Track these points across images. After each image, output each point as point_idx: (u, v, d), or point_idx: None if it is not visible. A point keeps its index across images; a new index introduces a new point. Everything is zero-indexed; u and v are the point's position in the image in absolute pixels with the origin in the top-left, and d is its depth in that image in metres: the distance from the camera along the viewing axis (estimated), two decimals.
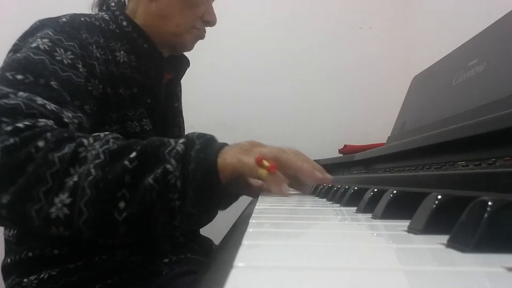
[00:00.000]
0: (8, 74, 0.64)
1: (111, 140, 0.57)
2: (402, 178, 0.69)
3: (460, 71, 0.81)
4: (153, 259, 0.80)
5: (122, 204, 0.53)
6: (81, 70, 0.72)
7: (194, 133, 0.62)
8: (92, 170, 0.52)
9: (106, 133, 0.59)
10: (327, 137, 1.87)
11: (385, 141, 1.15)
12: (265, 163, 0.59)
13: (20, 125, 0.54)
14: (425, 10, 1.86)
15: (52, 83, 0.65)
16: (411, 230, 0.33)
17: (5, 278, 0.78)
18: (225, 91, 1.94)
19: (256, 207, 0.54)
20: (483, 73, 0.71)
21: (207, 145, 0.59)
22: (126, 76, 0.81)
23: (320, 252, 0.27)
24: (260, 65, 1.96)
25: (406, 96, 1.18)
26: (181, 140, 0.58)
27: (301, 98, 1.96)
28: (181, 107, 1.05)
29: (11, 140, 0.52)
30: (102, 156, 0.54)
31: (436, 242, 0.27)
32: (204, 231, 1.04)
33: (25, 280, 0.73)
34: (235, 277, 0.19)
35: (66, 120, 0.62)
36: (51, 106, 0.61)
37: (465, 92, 0.76)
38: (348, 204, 0.56)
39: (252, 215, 0.44)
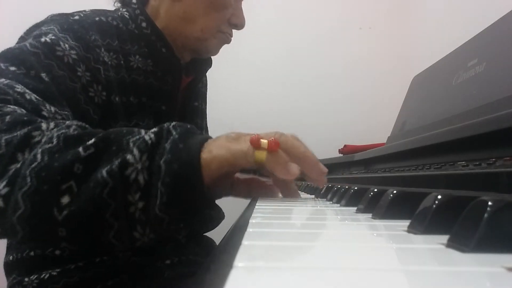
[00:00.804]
0: (1, 64, 0.61)
1: (74, 126, 0.47)
2: (402, 178, 0.69)
3: (460, 71, 0.81)
4: (155, 260, 0.80)
5: (65, 199, 0.42)
6: (79, 74, 0.68)
7: (170, 123, 0.49)
8: (39, 156, 0.43)
9: (74, 121, 0.50)
10: (327, 137, 1.87)
11: (385, 141, 1.15)
12: (263, 141, 0.49)
13: None
14: (425, 10, 1.86)
15: (42, 74, 0.61)
16: (411, 230, 0.33)
17: (7, 275, 0.78)
18: (224, 91, 1.94)
19: (256, 207, 0.54)
20: (483, 73, 0.71)
21: (187, 135, 0.47)
22: (137, 83, 0.77)
23: (320, 252, 0.27)
24: (260, 64, 1.96)
25: (406, 96, 1.18)
26: (153, 130, 0.47)
27: (301, 98, 1.96)
28: (203, 106, 0.99)
29: None
30: (55, 140, 0.44)
31: (436, 242, 0.27)
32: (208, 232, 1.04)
33: (26, 279, 0.73)
34: (235, 277, 0.19)
35: (45, 113, 0.54)
36: (31, 96, 0.55)
37: (465, 92, 0.76)
38: (348, 204, 0.56)
39: (252, 215, 0.44)
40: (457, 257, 0.24)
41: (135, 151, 0.43)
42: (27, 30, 0.74)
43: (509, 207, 0.24)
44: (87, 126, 0.50)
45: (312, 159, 0.56)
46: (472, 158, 0.54)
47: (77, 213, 0.42)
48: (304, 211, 0.56)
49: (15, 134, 0.45)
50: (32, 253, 0.74)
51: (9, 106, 0.50)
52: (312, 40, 1.98)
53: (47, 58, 0.64)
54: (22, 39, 0.72)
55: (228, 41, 0.87)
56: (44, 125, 0.47)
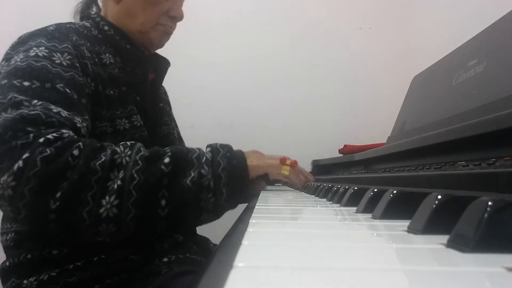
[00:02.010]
0: (15, 81, 0.67)
1: (140, 147, 0.65)
2: (402, 178, 0.69)
3: (460, 71, 0.81)
4: (152, 259, 0.80)
5: (163, 202, 0.61)
6: (80, 69, 0.75)
7: (216, 143, 0.72)
8: (135, 175, 0.61)
9: (132, 142, 0.67)
10: (327, 137, 1.87)
11: (385, 141, 1.15)
12: (288, 161, 0.80)
13: (50, 136, 0.59)
14: (425, 10, 1.86)
15: (58, 85, 0.68)
16: (411, 230, 0.33)
17: (3, 281, 0.78)
18: (224, 91, 1.94)
19: (256, 207, 0.54)
20: (483, 73, 0.71)
21: (233, 152, 0.70)
22: (113, 76, 0.84)
23: (320, 252, 0.27)
24: (259, 65, 1.96)
25: (406, 96, 1.18)
26: (208, 149, 0.70)
27: (301, 98, 1.96)
28: (168, 109, 1.08)
29: (48, 151, 0.58)
30: (140, 162, 0.62)
31: (436, 242, 0.27)
32: (204, 231, 1.04)
33: (24, 281, 0.73)
34: (235, 277, 0.19)
35: (78, 125, 0.67)
36: (64, 112, 0.66)
37: (465, 92, 0.76)
38: (348, 204, 0.56)
39: (252, 215, 0.44)
40: (457, 257, 0.24)
41: (205, 167, 0.65)
42: (11, 47, 0.77)
43: (509, 207, 0.24)
44: (139, 143, 0.67)
45: (307, 175, 0.92)
46: (472, 158, 0.54)
47: (173, 210, 0.62)
48: (304, 211, 0.56)
49: (103, 159, 0.61)
50: (29, 256, 0.75)
51: (62, 131, 0.62)
52: (312, 40, 1.98)
53: (53, 67, 0.70)
54: (8, 54, 0.75)
55: (169, 32, 0.95)
56: (117, 149, 0.63)
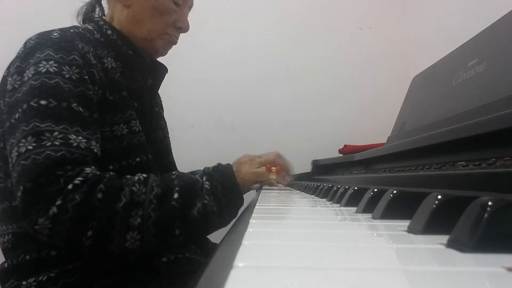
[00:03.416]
0: (32, 102, 0.70)
1: (153, 185, 0.72)
2: (402, 178, 0.69)
3: (460, 71, 0.81)
4: (151, 258, 0.80)
5: (177, 232, 0.71)
6: (88, 81, 0.77)
7: (208, 168, 0.80)
8: (152, 214, 0.69)
9: (144, 175, 0.74)
10: (327, 137, 1.87)
11: (385, 141, 1.15)
12: (273, 169, 0.87)
13: (77, 182, 0.67)
14: (425, 10, 1.86)
15: (73, 105, 0.73)
16: (411, 230, 0.33)
17: (3, 283, 0.78)
18: (224, 91, 1.94)
19: (256, 207, 0.54)
20: (483, 73, 0.71)
21: (224, 174, 0.78)
22: (114, 81, 0.84)
23: (320, 252, 0.27)
24: (259, 65, 1.96)
25: (406, 96, 1.18)
26: (204, 178, 0.76)
27: (301, 98, 1.96)
28: (162, 112, 1.10)
29: (77, 198, 0.66)
30: (154, 201, 0.70)
31: (436, 242, 0.27)
32: None
33: (24, 282, 0.73)
34: (235, 277, 0.19)
35: (95, 150, 0.73)
36: (82, 142, 0.72)
37: (465, 92, 0.76)
38: (348, 204, 0.56)
39: (252, 215, 0.44)
40: (457, 257, 0.24)
41: (207, 197, 0.73)
42: (21, 59, 0.77)
43: (509, 207, 0.24)
44: (153, 176, 0.75)
45: (289, 168, 0.95)
46: (472, 158, 0.54)
47: (187, 235, 0.72)
48: (304, 211, 0.56)
49: (124, 200, 0.69)
50: (28, 257, 0.75)
51: (85, 170, 0.69)
52: (312, 40, 1.98)
53: (64, 83, 0.73)
54: (19, 68, 0.76)
55: (174, 42, 0.97)
56: (134, 189, 0.71)
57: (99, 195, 0.68)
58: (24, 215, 0.67)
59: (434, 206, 0.31)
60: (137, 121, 0.86)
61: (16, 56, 0.78)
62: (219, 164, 0.81)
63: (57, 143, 0.69)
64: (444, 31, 1.60)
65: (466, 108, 0.71)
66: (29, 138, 0.68)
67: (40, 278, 0.73)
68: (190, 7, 0.99)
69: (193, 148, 1.83)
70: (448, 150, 0.62)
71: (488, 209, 0.24)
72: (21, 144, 0.68)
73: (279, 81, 1.96)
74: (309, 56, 1.98)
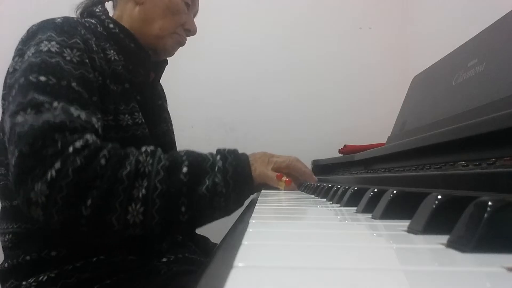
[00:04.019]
0: (31, 77, 0.68)
1: (160, 156, 0.70)
2: (402, 178, 0.69)
3: (460, 71, 0.81)
4: (151, 259, 0.80)
5: (183, 209, 0.67)
6: (89, 65, 0.76)
7: (224, 149, 0.77)
8: (158, 185, 0.65)
9: (151, 147, 0.71)
10: (327, 137, 1.87)
11: (385, 141, 1.15)
12: (284, 179, 0.84)
13: (77, 146, 0.63)
14: (425, 10, 1.86)
15: (72, 84, 0.71)
16: (411, 230, 0.33)
17: (2, 283, 0.78)
18: (225, 92, 1.94)
19: (256, 207, 0.54)
20: (483, 73, 0.71)
21: (238, 159, 0.75)
22: (117, 72, 0.84)
23: (320, 252, 0.27)
24: (260, 65, 1.96)
25: (406, 96, 1.18)
26: (218, 157, 0.74)
27: (301, 98, 1.96)
28: (165, 105, 1.10)
29: (78, 161, 0.62)
30: (161, 172, 0.67)
31: (436, 242, 0.27)
32: (203, 231, 1.04)
33: (23, 283, 0.73)
34: (235, 277, 0.19)
35: (96, 126, 0.70)
36: (82, 114, 0.69)
37: (465, 92, 0.76)
38: (348, 204, 0.56)
39: (252, 215, 0.44)
40: (457, 257, 0.24)
41: (218, 175, 0.70)
42: (22, 42, 0.77)
43: (509, 207, 0.24)
44: (160, 150, 0.72)
45: (308, 173, 0.94)
46: (472, 158, 0.54)
47: (192, 215, 0.68)
48: (304, 211, 0.56)
49: (128, 169, 0.65)
50: (28, 257, 0.75)
51: (86, 137, 0.65)
52: (312, 40, 1.98)
53: (65, 64, 0.72)
54: (20, 50, 0.75)
55: (183, 43, 0.99)
56: (140, 158, 0.68)
57: (102, 161, 0.64)
58: (19, 183, 0.62)
59: (434, 206, 0.31)
60: (140, 114, 0.86)
61: (19, 42, 0.78)
62: (235, 150, 0.78)
63: (56, 112, 0.66)
64: (444, 31, 1.60)
65: (466, 108, 0.71)
66: (28, 110, 0.65)
67: (40, 279, 0.73)
68: (196, 13, 1.01)
69: (193, 148, 1.83)
70: (448, 150, 0.62)
71: (488, 209, 0.24)
72: (18, 116, 0.65)
73: (279, 81, 1.96)
74: (309, 56, 1.97)
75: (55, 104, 0.67)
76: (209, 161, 0.72)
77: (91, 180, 0.62)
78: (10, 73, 0.74)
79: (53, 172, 0.61)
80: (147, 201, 0.64)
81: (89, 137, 0.66)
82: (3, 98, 0.76)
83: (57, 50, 0.73)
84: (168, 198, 0.66)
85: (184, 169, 0.69)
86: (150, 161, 0.68)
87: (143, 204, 0.64)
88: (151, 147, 0.71)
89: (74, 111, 0.68)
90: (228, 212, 0.73)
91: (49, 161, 0.61)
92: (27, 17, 0.81)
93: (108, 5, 0.98)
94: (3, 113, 0.72)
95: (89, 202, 0.62)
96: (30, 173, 0.61)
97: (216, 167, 0.71)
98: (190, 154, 0.73)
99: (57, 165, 0.61)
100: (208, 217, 0.72)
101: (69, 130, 0.65)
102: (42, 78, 0.68)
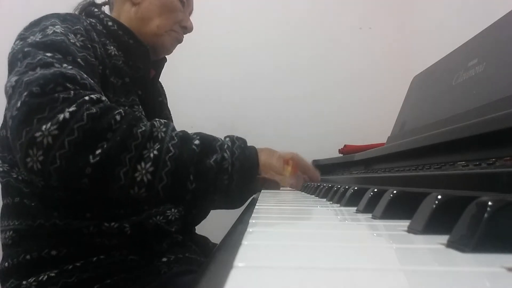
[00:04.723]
0: (37, 52, 0.68)
1: (174, 127, 0.71)
2: (402, 178, 0.69)
3: (460, 71, 0.81)
4: (151, 259, 0.80)
5: (191, 177, 0.67)
6: (91, 50, 0.78)
7: (233, 135, 0.78)
8: (172, 148, 0.66)
9: (165, 121, 0.72)
10: (327, 137, 1.87)
11: (385, 141, 1.15)
12: (290, 163, 0.81)
13: (93, 96, 0.63)
14: (425, 10, 1.86)
15: (78, 59, 0.71)
16: (411, 230, 0.33)
17: (3, 282, 0.78)
18: (225, 91, 1.94)
19: (256, 207, 0.54)
20: (483, 73, 0.71)
21: (246, 145, 0.77)
22: (117, 66, 0.86)
23: (320, 252, 0.27)
24: (260, 65, 1.96)
25: (406, 96, 1.18)
26: (227, 139, 0.76)
27: (301, 98, 1.96)
28: (166, 101, 1.11)
29: (94, 109, 0.61)
30: (176, 138, 0.68)
31: (436, 242, 0.27)
32: (203, 231, 1.04)
33: (24, 282, 0.73)
34: (235, 277, 0.19)
35: (103, 98, 0.68)
36: (89, 80, 0.68)
37: (465, 92, 0.76)
38: (348, 204, 0.55)
39: (252, 215, 0.44)
40: (457, 257, 0.24)
41: (228, 151, 0.71)
42: (25, 29, 0.78)
43: (509, 207, 0.24)
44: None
45: (311, 168, 0.93)
46: (472, 158, 0.54)
47: (198, 185, 0.68)
48: (304, 211, 0.56)
49: (143, 129, 0.65)
50: (28, 257, 0.75)
51: (94, 92, 0.64)
52: (312, 41, 1.98)
53: (69, 45, 0.72)
54: (23, 35, 0.76)
55: (180, 40, 1.00)
56: (155, 123, 0.69)
57: (117, 116, 0.63)
58: (23, 122, 0.58)
59: (434, 206, 0.31)
60: (140, 107, 0.87)
61: (19, 34, 0.78)
62: (245, 139, 0.79)
63: (69, 67, 0.66)
64: (444, 31, 1.60)
65: (466, 108, 0.71)
66: (37, 68, 0.63)
67: (40, 278, 0.73)
68: (191, 12, 1.02)
69: None
70: (448, 150, 0.62)
71: (488, 209, 0.24)
72: (25, 74, 0.62)
73: (279, 81, 1.96)
74: (309, 56, 1.97)
75: (65, 64, 0.67)
76: (219, 141, 0.74)
77: (104, 130, 0.61)
78: (10, 54, 0.74)
79: (67, 114, 0.58)
80: (158, 161, 0.64)
81: (102, 96, 0.65)
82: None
83: (62, 31, 0.74)
84: (179, 163, 0.66)
85: (196, 141, 0.70)
86: (164, 129, 0.68)
87: (153, 164, 0.64)
88: (164, 120, 0.72)
89: (84, 74, 0.68)
90: (227, 199, 0.72)
91: (60, 105, 0.59)
92: (27, 17, 0.81)
93: (105, 9, 0.99)
94: (6, 91, 0.69)
95: (98, 151, 0.60)
96: (38, 113, 0.58)
97: (225, 146, 0.73)
98: (201, 133, 0.74)
99: (72, 108, 0.59)
100: (210, 194, 0.70)
101: (80, 85, 0.64)
102: (48, 54, 0.68)
